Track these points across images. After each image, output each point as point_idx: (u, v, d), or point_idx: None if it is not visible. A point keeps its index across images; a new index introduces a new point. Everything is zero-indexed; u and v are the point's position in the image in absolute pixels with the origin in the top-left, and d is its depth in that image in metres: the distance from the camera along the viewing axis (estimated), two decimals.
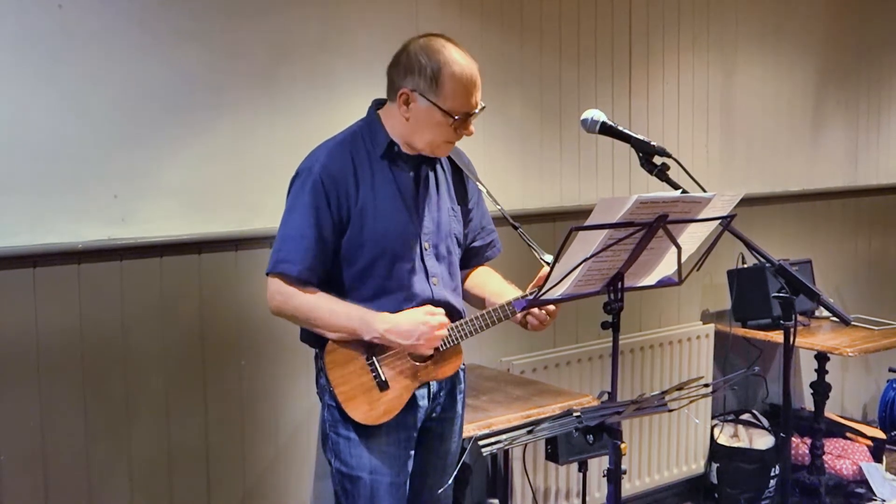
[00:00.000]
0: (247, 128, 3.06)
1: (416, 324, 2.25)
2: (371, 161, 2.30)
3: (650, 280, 2.22)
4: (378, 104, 2.38)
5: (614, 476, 2.16)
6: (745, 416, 4.51)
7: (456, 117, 2.23)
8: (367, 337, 2.25)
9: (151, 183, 2.90)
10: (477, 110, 2.27)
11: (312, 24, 3.17)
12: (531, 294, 2.24)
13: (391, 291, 2.30)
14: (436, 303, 2.34)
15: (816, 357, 4.23)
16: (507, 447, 2.04)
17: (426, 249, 2.34)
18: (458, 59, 2.24)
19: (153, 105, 2.88)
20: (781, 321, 2.39)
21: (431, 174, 2.39)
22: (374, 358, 2.29)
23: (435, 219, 2.37)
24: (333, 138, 2.35)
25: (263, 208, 3.06)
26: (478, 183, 2.47)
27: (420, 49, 2.25)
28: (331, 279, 2.30)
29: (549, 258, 2.34)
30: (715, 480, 4.33)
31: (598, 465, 3.75)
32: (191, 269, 2.99)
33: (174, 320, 2.97)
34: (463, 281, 2.50)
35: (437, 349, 2.31)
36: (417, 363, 2.32)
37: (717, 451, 4.34)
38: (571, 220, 3.49)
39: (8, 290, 2.69)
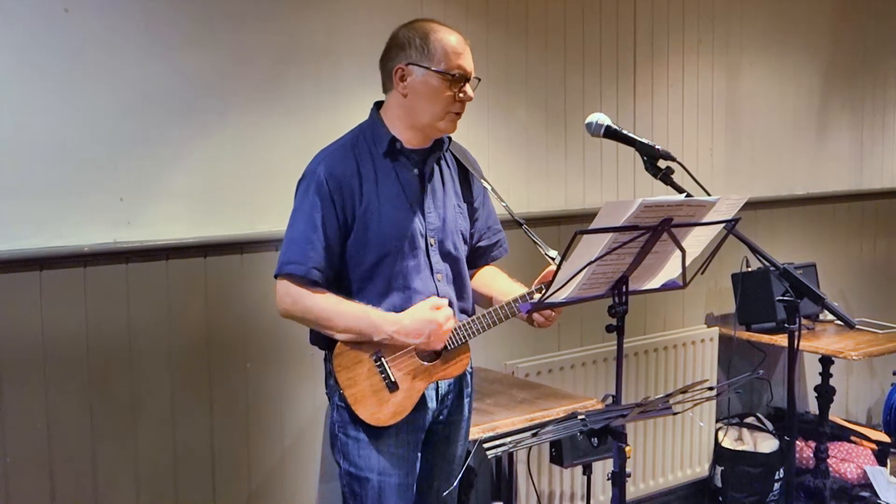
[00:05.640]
0: (253, 131, 3.07)
1: (424, 322, 2.26)
2: (374, 161, 2.32)
3: (655, 283, 2.22)
4: (379, 106, 2.40)
5: (619, 479, 2.16)
6: (750, 420, 4.51)
7: (453, 74, 2.26)
8: (376, 338, 2.27)
9: (157, 186, 2.90)
10: (473, 76, 2.31)
11: (318, 29, 3.18)
12: (536, 290, 2.26)
13: (398, 289, 2.31)
14: None
15: (821, 360, 4.23)
16: (511, 450, 2.04)
17: (431, 245, 2.36)
18: (442, 26, 2.33)
19: (159, 109, 2.89)
20: (786, 325, 2.38)
21: (437, 170, 2.40)
22: (382, 359, 2.30)
23: (441, 215, 2.38)
24: (337, 141, 2.38)
25: (269, 212, 3.07)
26: (483, 181, 2.48)
27: (405, 28, 2.34)
28: (338, 280, 2.32)
29: (553, 254, 2.36)
30: (719, 484, 4.33)
31: (603, 468, 3.75)
32: (196, 273, 2.99)
33: (180, 323, 2.97)
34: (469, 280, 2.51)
35: (444, 347, 2.32)
36: (426, 363, 2.32)
37: (721, 455, 4.34)
38: (576, 223, 3.50)
39: (14, 294, 2.70)
